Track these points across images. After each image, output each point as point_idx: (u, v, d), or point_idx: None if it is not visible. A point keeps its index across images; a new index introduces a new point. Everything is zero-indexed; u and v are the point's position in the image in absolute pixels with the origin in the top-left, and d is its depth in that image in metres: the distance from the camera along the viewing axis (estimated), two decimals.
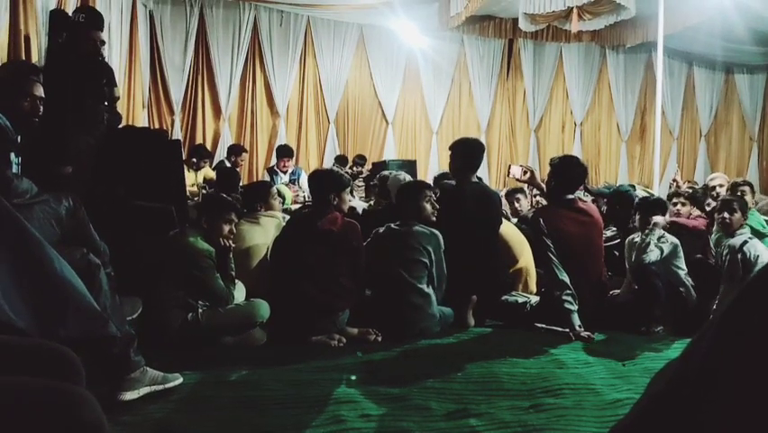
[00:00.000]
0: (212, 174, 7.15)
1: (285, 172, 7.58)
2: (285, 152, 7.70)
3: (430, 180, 5.53)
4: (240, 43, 8.85)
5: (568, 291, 3.50)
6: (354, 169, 8.39)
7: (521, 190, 5.64)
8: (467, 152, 4.02)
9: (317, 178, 3.63)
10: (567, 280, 3.53)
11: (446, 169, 4.62)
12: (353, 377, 2.56)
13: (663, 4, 7.13)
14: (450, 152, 4.09)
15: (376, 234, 3.61)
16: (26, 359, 1.16)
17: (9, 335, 1.20)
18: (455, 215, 3.79)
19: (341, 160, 8.58)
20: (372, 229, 3.66)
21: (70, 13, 4.18)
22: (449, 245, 3.58)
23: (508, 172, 4.37)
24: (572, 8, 7.70)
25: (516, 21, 8.59)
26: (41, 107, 2.67)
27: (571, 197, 3.79)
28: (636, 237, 3.86)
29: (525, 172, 4.13)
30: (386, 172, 5.09)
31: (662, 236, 3.77)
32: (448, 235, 3.60)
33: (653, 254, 3.66)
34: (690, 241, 4.23)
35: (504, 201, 5.43)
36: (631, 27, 9.23)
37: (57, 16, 4.11)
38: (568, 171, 3.82)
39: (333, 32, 9.45)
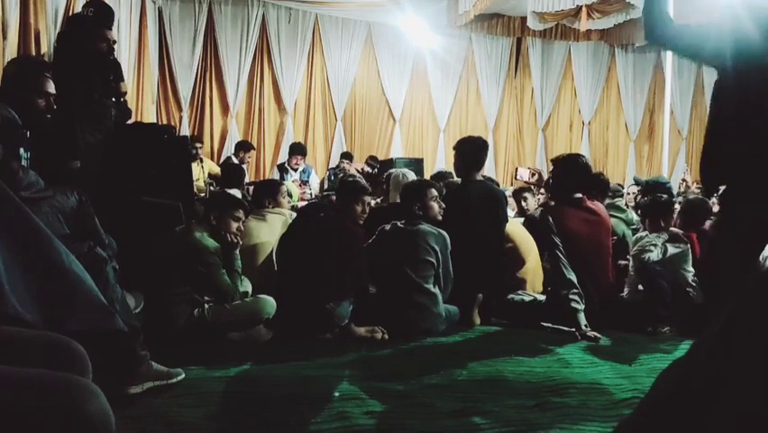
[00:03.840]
0: (216, 169, 7.18)
1: (296, 170, 7.60)
2: (298, 150, 7.72)
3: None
4: (248, 40, 8.87)
5: (575, 290, 3.49)
6: (368, 170, 8.36)
7: (528, 189, 5.62)
8: (471, 151, 4.01)
9: (339, 185, 3.80)
10: (574, 279, 3.52)
11: (452, 167, 4.60)
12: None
13: (673, 3, 7.07)
14: (454, 152, 4.08)
15: (382, 232, 3.61)
16: (33, 351, 1.16)
17: (16, 327, 1.21)
18: (460, 213, 3.79)
19: (347, 156, 8.58)
20: (376, 226, 3.66)
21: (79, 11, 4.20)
22: (454, 244, 3.58)
23: (516, 175, 4.37)
24: (581, 7, 7.67)
25: (524, 19, 8.57)
26: (54, 104, 2.70)
27: (579, 195, 3.77)
28: (644, 235, 3.86)
29: (532, 174, 4.12)
30: (393, 171, 5.08)
31: (671, 239, 3.76)
32: (454, 234, 3.60)
33: (652, 254, 3.64)
34: (700, 241, 4.20)
35: (511, 200, 5.42)
36: (640, 26, 9.16)
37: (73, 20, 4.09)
38: (575, 169, 3.80)
39: (341, 30, 9.45)
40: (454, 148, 4.08)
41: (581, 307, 3.47)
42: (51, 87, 2.74)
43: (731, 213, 2.01)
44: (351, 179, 4.07)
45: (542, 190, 5.72)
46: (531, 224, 4.39)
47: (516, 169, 4.37)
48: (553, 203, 3.97)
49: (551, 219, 3.64)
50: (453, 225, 3.68)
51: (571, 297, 3.48)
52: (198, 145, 7.36)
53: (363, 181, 3.95)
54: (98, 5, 3.92)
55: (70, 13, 4.36)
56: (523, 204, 5.37)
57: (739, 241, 1.90)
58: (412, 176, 4.55)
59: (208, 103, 8.82)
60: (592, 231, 3.71)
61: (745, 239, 1.84)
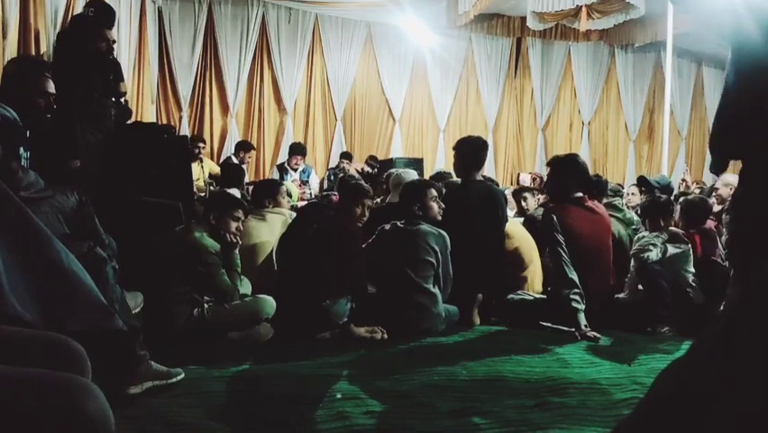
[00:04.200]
0: (217, 169, 7.19)
1: (295, 170, 7.60)
2: (298, 150, 7.73)
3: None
4: (248, 40, 8.87)
5: (576, 290, 3.49)
6: (369, 170, 8.37)
7: (528, 189, 5.63)
8: (470, 151, 4.00)
9: (339, 187, 3.78)
10: (576, 278, 3.51)
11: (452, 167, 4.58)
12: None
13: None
14: (454, 152, 4.06)
15: (382, 232, 3.61)
16: (32, 351, 1.16)
17: (16, 327, 1.21)
18: (460, 213, 3.78)
19: (346, 156, 8.59)
20: (376, 226, 3.66)
21: (80, 11, 4.20)
22: (454, 244, 3.58)
23: (518, 180, 4.38)
24: (581, 7, 7.68)
25: (524, 19, 8.57)
26: (54, 104, 2.70)
27: (579, 195, 3.77)
28: (644, 234, 3.86)
29: (534, 179, 4.13)
30: (393, 170, 5.08)
31: (671, 239, 3.76)
32: (454, 234, 3.60)
33: (651, 254, 3.65)
34: (701, 242, 4.21)
35: (511, 200, 5.42)
36: (640, 26, 9.18)
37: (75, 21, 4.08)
38: (574, 169, 3.80)
39: (341, 30, 9.45)
40: (454, 148, 4.07)
41: (582, 307, 3.47)
42: (51, 87, 2.74)
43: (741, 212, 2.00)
44: (353, 181, 4.07)
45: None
46: (531, 224, 4.39)
47: (519, 174, 4.39)
48: (551, 204, 3.96)
49: (555, 217, 3.63)
50: (453, 225, 3.67)
51: (572, 296, 3.48)
52: (201, 145, 7.35)
53: (365, 184, 3.94)
54: (99, 5, 3.93)
55: (70, 13, 4.36)
56: (523, 204, 5.37)
57: (746, 239, 1.89)
58: (413, 175, 4.54)
59: (208, 103, 8.83)
60: (594, 230, 3.71)
61: (751, 238, 1.84)
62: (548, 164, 3.97)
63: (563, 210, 3.69)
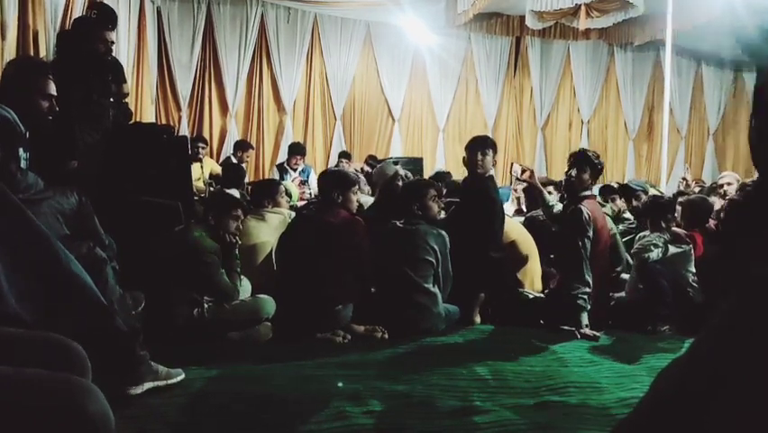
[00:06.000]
0: (218, 169, 7.19)
1: (295, 170, 7.60)
2: (297, 150, 7.72)
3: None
4: (247, 40, 8.86)
5: (587, 290, 3.47)
6: (368, 170, 8.36)
7: (551, 183, 5.60)
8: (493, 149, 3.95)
9: (324, 177, 3.74)
10: (590, 279, 3.48)
11: (452, 166, 4.59)
12: (340, 384, 2.43)
13: (672, 2, 7.08)
14: (472, 149, 3.88)
15: (381, 232, 3.61)
16: (32, 351, 1.16)
17: (16, 327, 1.21)
18: (462, 212, 3.78)
19: (345, 155, 8.59)
20: (370, 225, 3.65)
21: (79, 11, 4.20)
22: (455, 243, 3.57)
23: (511, 169, 4.39)
24: (580, 5, 7.67)
25: (523, 18, 8.56)
26: (56, 106, 2.70)
27: (589, 192, 3.75)
28: (647, 234, 3.86)
29: (523, 171, 4.10)
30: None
31: (673, 239, 3.76)
32: (454, 234, 3.59)
33: (653, 254, 3.65)
34: (702, 241, 4.21)
35: (512, 198, 5.41)
36: (639, 25, 9.17)
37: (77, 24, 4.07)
38: (595, 163, 3.73)
39: (340, 29, 9.44)
40: (473, 147, 3.88)
41: (588, 307, 3.46)
42: (53, 89, 2.73)
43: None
44: (338, 170, 4.10)
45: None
46: (531, 224, 4.39)
47: (512, 164, 4.39)
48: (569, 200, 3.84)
49: (588, 214, 3.53)
50: (454, 224, 3.67)
51: (581, 295, 3.46)
52: (201, 146, 7.34)
53: (348, 171, 3.95)
54: (101, 8, 3.94)
55: (69, 14, 4.36)
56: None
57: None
58: (394, 167, 4.55)
59: (207, 103, 8.82)
60: (604, 228, 3.69)
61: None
62: (571, 156, 3.82)
63: (592, 206, 3.62)
